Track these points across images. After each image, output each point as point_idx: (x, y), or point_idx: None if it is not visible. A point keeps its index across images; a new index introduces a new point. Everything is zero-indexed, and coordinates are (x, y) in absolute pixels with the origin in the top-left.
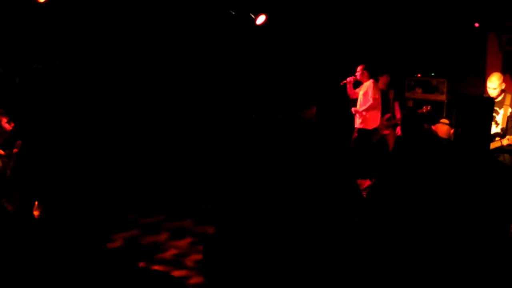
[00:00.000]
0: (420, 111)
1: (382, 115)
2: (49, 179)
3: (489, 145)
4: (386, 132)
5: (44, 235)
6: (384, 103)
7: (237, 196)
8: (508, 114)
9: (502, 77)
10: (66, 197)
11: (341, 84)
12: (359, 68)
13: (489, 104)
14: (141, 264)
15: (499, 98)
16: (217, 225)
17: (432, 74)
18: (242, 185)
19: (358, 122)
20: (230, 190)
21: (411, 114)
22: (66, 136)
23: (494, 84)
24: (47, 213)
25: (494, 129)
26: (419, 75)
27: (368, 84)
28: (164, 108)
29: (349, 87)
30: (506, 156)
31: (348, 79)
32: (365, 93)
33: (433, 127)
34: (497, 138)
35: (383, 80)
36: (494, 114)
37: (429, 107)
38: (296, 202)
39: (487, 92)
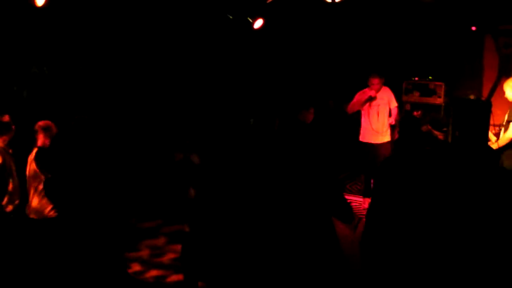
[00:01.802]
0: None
1: None
2: (66, 184)
3: (486, 148)
4: None
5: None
6: None
7: (234, 199)
8: None
9: None
10: (82, 201)
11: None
12: (377, 81)
13: (486, 108)
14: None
15: None
16: (210, 228)
17: (430, 77)
18: (240, 189)
19: (379, 136)
20: (227, 194)
21: (408, 117)
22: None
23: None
24: (62, 216)
25: None
26: (416, 78)
27: (387, 92)
28: (162, 112)
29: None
30: None
31: (372, 94)
32: (386, 103)
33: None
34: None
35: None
36: None
37: (419, 112)
38: (293, 206)
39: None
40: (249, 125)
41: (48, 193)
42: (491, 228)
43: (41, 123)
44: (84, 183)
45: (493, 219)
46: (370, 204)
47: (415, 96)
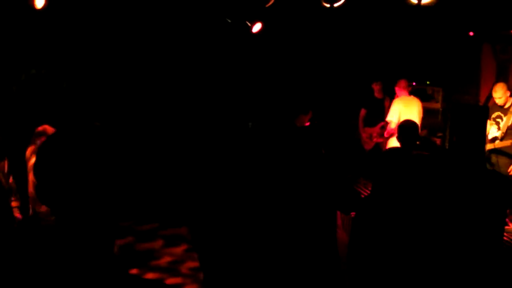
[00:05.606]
0: None
1: (376, 123)
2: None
3: (483, 154)
4: (379, 140)
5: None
6: (379, 111)
7: (233, 202)
8: (510, 123)
9: (505, 86)
10: (78, 202)
11: None
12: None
13: (484, 113)
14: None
15: (507, 105)
16: (212, 232)
17: (428, 82)
18: (239, 191)
19: None
20: (225, 196)
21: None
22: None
23: (499, 94)
24: (57, 218)
25: (495, 132)
26: (414, 83)
27: (413, 102)
28: (160, 115)
29: None
30: (502, 158)
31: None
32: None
33: None
34: (496, 142)
35: (378, 88)
36: (498, 120)
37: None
38: (293, 207)
39: (494, 101)
40: (248, 128)
41: (38, 197)
42: (484, 232)
43: (38, 128)
44: (73, 186)
45: (486, 224)
46: (364, 208)
47: None
